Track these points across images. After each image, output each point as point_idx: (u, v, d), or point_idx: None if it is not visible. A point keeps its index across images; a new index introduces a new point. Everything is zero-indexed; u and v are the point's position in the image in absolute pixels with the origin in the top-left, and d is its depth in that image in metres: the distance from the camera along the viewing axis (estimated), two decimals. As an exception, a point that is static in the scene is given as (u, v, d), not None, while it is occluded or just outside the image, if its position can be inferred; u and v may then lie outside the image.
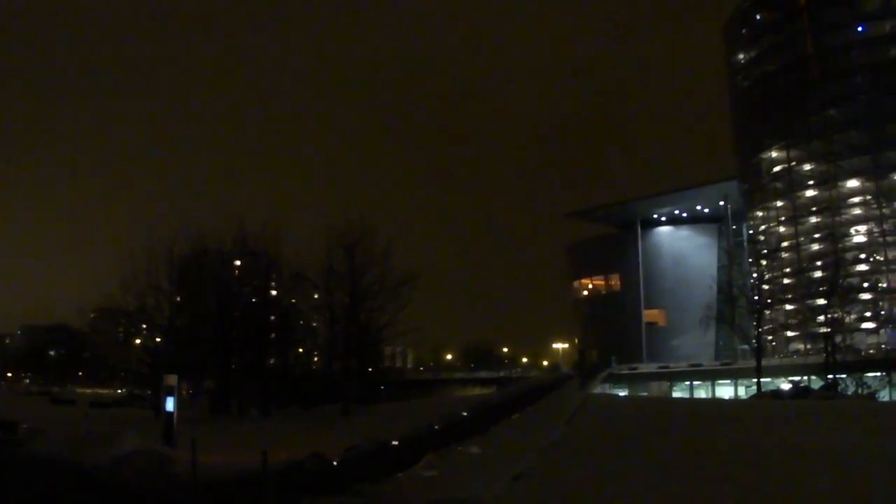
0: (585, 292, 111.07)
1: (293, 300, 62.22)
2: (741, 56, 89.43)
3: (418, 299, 57.90)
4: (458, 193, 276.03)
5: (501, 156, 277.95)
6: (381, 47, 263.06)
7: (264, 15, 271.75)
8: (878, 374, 56.02)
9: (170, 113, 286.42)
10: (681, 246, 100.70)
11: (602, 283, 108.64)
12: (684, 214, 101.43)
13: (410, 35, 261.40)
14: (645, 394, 75.50)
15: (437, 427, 25.64)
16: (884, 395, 53.19)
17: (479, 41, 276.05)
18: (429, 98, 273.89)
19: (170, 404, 27.98)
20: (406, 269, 56.85)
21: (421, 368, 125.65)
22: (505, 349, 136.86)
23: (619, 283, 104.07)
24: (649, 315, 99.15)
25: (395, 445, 20.89)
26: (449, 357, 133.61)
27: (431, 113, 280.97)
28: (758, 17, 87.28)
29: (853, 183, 78.39)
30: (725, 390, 72.76)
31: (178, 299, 55.31)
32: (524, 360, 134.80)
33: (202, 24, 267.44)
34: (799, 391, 55.10)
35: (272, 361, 59.05)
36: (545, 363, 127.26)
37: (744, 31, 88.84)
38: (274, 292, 60.62)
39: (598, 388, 72.55)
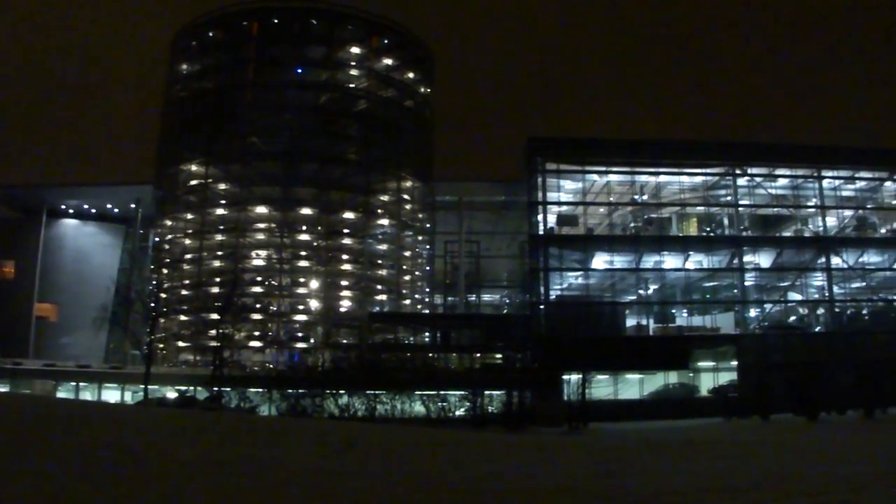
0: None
1: None
2: (184, 67, 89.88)
3: None
4: None
5: None
6: None
7: None
8: (260, 389, 58.39)
9: None
10: (85, 242, 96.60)
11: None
12: (93, 210, 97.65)
13: None
14: (28, 392, 70.75)
15: None
16: (264, 410, 55.81)
17: None
18: None
19: None
20: None
21: None
22: None
23: (13, 271, 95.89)
24: (41, 309, 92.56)
25: None
26: None
27: None
28: (210, 34, 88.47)
29: (262, 209, 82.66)
30: (112, 394, 70.88)
31: None
32: None
33: None
34: (184, 401, 56.28)
35: None
36: None
37: (193, 43, 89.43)
38: None
39: (-25, 383, 67.05)
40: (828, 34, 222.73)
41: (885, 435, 33.64)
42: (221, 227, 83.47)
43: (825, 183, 74.81)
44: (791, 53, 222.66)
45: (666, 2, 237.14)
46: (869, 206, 77.41)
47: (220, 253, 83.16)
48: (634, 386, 67.67)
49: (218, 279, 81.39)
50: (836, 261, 72.42)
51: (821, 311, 75.46)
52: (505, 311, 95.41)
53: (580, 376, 55.75)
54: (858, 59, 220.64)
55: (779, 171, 75.03)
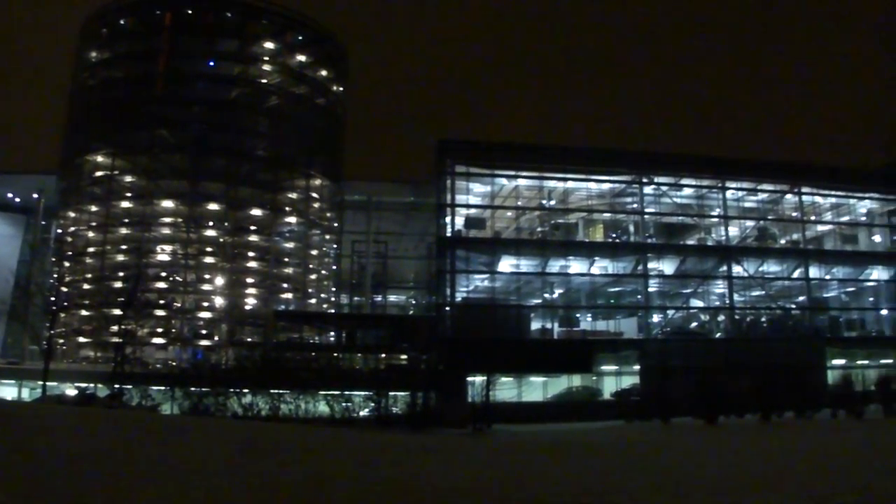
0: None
1: None
2: (94, 54, 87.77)
3: None
4: None
5: None
6: None
7: None
8: (163, 387, 56.92)
9: None
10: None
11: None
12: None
13: None
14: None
15: None
16: (166, 408, 54.55)
17: None
18: None
19: None
20: None
21: None
22: None
23: None
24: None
25: None
26: None
27: None
28: (121, 21, 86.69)
29: (168, 204, 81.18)
30: (9, 391, 68.72)
31: None
32: None
33: None
34: (84, 398, 54.79)
35: None
36: None
37: (104, 30, 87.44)
38: None
39: None
40: (732, 49, 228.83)
41: (779, 438, 34.56)
42: (126, 221, 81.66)
43: (728, 194, 76.48)
44: (697, 65, 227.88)
45: (577, 13, 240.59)
46: (770, 218, 79.60)
47: (124, 247, 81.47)
48: (538, 389, 68.40)
49: (121, 273, 79.60)
50: (737, 269, 74.13)
51: (721, 317, 77.27)
52: (411, 312, 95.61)
53: (485, 378, 55.99)
54: (762, 73, 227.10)
55: (684, 181, 76.42)
